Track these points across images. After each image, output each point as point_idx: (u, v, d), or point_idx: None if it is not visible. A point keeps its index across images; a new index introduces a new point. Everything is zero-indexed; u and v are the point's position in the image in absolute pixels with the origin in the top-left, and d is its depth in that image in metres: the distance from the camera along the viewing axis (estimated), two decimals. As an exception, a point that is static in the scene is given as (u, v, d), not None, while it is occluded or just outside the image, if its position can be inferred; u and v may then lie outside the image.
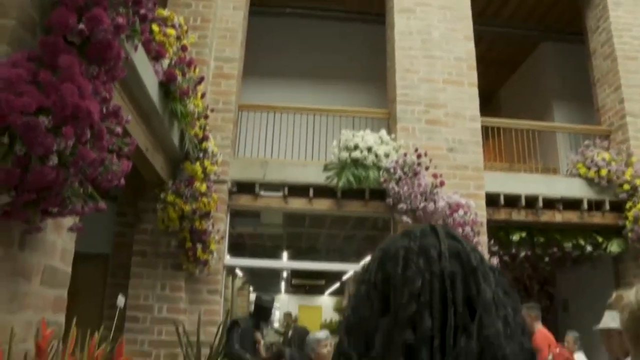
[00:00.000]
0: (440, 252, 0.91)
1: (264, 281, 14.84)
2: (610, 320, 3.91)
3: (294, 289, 19.48)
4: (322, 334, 4.20)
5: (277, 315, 15.74)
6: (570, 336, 6.95)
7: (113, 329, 2.70)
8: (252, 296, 9.05)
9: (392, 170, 6.98)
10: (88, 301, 6.25)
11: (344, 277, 14.33)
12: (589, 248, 7.82)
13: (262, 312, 6.13)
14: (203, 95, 5.85)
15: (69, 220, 2.72)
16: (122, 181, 2.37)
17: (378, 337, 0.87)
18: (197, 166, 6.09)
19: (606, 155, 7.77)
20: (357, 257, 9.75)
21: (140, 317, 6.42)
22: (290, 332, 12.68)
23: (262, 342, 5.96)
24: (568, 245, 7.78)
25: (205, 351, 6.33)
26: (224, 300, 7.35)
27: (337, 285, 17.06)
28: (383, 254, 0.97)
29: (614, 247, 7.71)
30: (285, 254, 11.11)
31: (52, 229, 2.68)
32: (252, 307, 6.50)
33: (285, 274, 16.23)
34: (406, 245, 0.94)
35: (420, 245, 0.93)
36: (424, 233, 0.96)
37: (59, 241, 2.78)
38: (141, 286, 6.49)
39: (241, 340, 5.71)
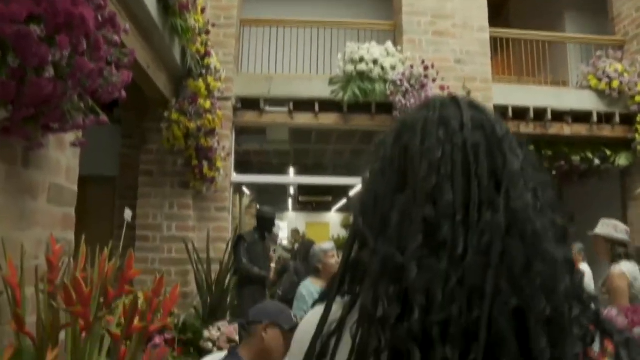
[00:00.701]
0: (462, 122, 0.83)
1: (271, 199, 14.93)
2: (600, 227, 3.95)
3: (301, 207, 19.66)
4: (328, 244, 4.21)
5: (285, 233, 15.96)
6: (576, 247, 7.02)
7: (122, 244, 2.70)
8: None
9: (398, 82, 6.85)
10: (97, 223, 6.30)
11: (351, 193, 14.41)
12: (597, 161, 7.76)
13: (264, 224, 6.15)
14: (203, 10, 5.68)
15: (71, 137, 2.67)
16: (123, 93, 2.30)
17: (394, 215, 0.79)
18: (200, 83, 5.99)
19: (619, 67, 7.58)
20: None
21: (150, 236, 6.49)
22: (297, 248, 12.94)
23: (273, 259, 6.01)
24: (576, 158, 7.73)
25: (215, 267, 6.42)
26: (232, 218, 7.41)
27: (344, 201, 17.19)
28: (400, 126, 0.89)
29: (622, 160, 7.66)
30: (292, 171, 11.12)
31: (54, 147, 2.63)
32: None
33: (292, 191, 16.32)
34: (425, 115, 0.86)
35: (440, 115, 0.85)
36: (444, 104, 0.88)
37: (62, 159, 2.74)
38: (149, 206, 6.53)
39: (248, 254, 5.76)
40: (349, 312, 0.80)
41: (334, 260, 4.07)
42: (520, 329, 0.70)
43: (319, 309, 0.84)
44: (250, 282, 5.78)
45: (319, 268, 4.02)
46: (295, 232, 13.85)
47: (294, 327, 2.43)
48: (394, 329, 0.71)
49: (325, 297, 0.85)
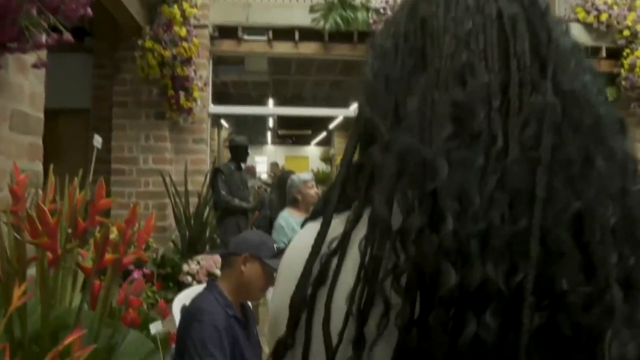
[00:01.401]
0: None
1: (250, 132, 14.72)
2: None
3: (280, 140, 19.51)
4: (308, 175, 4.11)
5: (264, 168, 15.85)
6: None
7: (91, 173, 2.55)
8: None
9: (381, 10, 6.63)
10: (71, 157, 6.08)
11: (331, 126, 14.27)
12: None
13: (238, 153, 6.00)
14: None
15: (33, 59, 2.48)
16: (89, 10, 2.10)
17: (412, 101, 0.62)
18: (175, 9, 5.73)
19: (609, -1, 7.38)
20: (345, 104, 9.57)
21: (126, 170, 6.34)
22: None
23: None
24: (560, 91, 7.59)
25: (193, 200, 6.33)
26: (210, 151, 7.25)
27: (323, 134, 17.06)
28: None
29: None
30: (271, 102, 10.92)
31: (15, 70, 2.45)
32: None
33: (271, 124, 16.13)
34: None
35: None
36: None
37: (25, 83, 2.55)
38: (125, 138, 6.34)
39: (227, 186, 5.64)
40: (354, 227, 0.64)
41: (313, 191, 3.98)
42: (579, 242, 0.54)
43: (313, 227, 0.69)
44: (231, 213, 5.67)
45: (298, 199, 3.92)
46: (274, 166, 13.74)
47: (276, 259, 2.33)
48: (419, 244, 0.55)
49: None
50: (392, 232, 0.57)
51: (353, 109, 9.57)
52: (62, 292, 2.39)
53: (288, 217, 3.83)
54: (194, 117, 6.42)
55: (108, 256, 2.02)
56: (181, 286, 5.86)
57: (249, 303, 2.38)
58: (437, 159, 0.56)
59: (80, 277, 2.78)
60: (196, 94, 6.23)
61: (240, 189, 5.93)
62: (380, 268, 0.58)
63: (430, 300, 0.54)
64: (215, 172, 5.77)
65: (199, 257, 6.11)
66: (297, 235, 0.75)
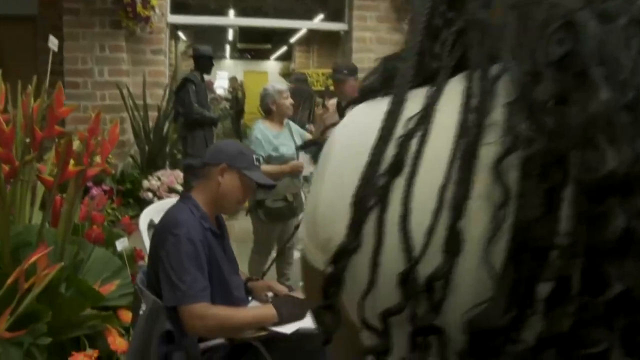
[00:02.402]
0: None
1: (209, 45, 14.27)
2: None
3: (239, 54, 18.99)
4: (283, 85, 3.93)
5: (224, 83, 15.45)
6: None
7: (47, 78, 2.34)
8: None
9: None
10: (18, 67, 5.72)
11: (292, 40, 13.90)
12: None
13: (203, 63, 5.69)
14: None
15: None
16: None
17: None
18: None
19: None
20: (309, 16, 9.26)
21: (81, 83, 6.04)
22: (239, 95, 12.61)
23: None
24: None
25: (152, 114, 6.11)
26: (168, 65, 6.93)
27: (284, 49, 16.64)
28: None
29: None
30: (231, 13, 10.50)
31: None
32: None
33: (230, 37, 15.61)
34: None
35: None
36: None
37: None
38: (78, 49, 6.01)
39: (197, 98, 5.35)
40: (436, 102, 0.51)
41: (288, 101, 3.81)
42: None
43: (368, 109, 0.57)
44: (200, 127, 5.44)
45: (272, 109, 3.75)
46: (233, 80, 13.43)
47: (255, 170, 2.19)
48: (560, 115, 0.43)
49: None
50: (515, 102, 0.45)
51: (317, 20, 9.28)
52: (21, 209, 2.24)
53: (264, 130, 3.68)
54: (151, 27, 6.08)
55: (71, 168, 1.86)
56: (141, 202, 5.73)
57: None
58: (579, 13, 0.44)
59: (39, 193, 2.62)
60: (154, 1, 5.88)
61: (206, 101, 5.70)
62: (514, 150, 0.45)
63: (568, 186, 0.43)
64: (185, 82, 5.46)
65: (159, 173, 5.97)
66: (347, 120, 0.61)
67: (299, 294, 2.16)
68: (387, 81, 0.57)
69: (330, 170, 0.59)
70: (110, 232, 2.92)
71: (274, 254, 4.02)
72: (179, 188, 5.83)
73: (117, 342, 2.23)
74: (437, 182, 0.48)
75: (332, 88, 6.30)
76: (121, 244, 2.78)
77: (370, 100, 0.59)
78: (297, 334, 1.94)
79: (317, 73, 10.13)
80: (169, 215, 1.98)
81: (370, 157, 0.52)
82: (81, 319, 2.28)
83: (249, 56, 19.16)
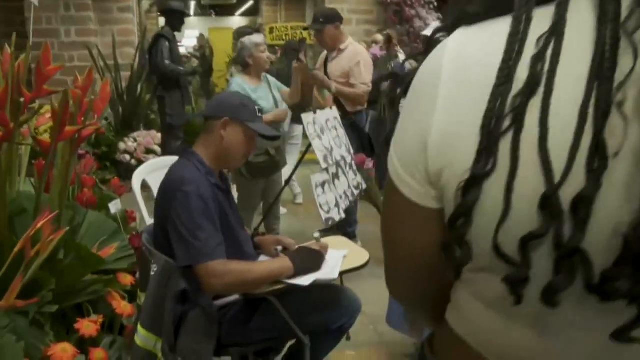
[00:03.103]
0: None
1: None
2: None
3: (203, 11, 18.56)
4: (260, 37, 3.80)
5: (192, 42, 15.10)
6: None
7: (31, 35, 2.21)
8: (162, 20, 8.22)
9: None
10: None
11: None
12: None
13: (174, 18, 5.48)
14: None
15: None
16: None
17: None
18: None
19: None
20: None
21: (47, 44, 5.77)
22: (207, 53, 12.34)
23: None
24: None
25: (125, 74, 5.94)
26: (137, 23, 6.70)
27: (250, 3, 16.28)
28: None
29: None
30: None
31: None
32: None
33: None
34: None
35: None
36: None
37: None
38: (41, 8, 5.73)
39: (171, 55, 5.17)
40: (565, 18, 0.49)
41: (266, 55, 3.71)
42: None
43: (473, 33, 0.55)
44: (177, 86, 5.29)
45: (249, 63, 3.64)
46: (201, 38, 13.14)
47: (258, 122, 2.12)
48: None
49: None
50: None
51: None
52: (12, 175, 2.15)
53: (242, 84, 3.56)
54: (117, -17, 5.85)
55: (68, 127, 1.77)
56: (118, 165, 5.63)
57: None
58: None
59: (25, 158, 2.52)
60: (118, -44, 5.64)
61: (180, 58, 5.53)
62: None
63: None
64: (158, 38, 5.27)
65: (135, 134, 5.84)
66: (453, 47, 0.57)
67: (312, 245, 2.13)
68: (494, 5, 0.55)
69: (441, 100, 0.56)
70: (102, 194, 2.83)
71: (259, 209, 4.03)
72: (157, 149, 5.73)
73: (122, 306, 2.18)
74: (575, 99, 0.46)
75: (309, 40, 6.20)
76: (114, 206, 2.70)
77: (470, 27, 0.57)
78: (314, 285, 1.92)
79: (285, 27, 9.93)
80: (175, 173, 1.91)
81: (499, 79, 0.50)
82: (83, 284, 2.22)
83: (214, 12, 18.73)
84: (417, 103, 0.59)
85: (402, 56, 5.63)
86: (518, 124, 0.49)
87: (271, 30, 9.41)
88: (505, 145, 0.50)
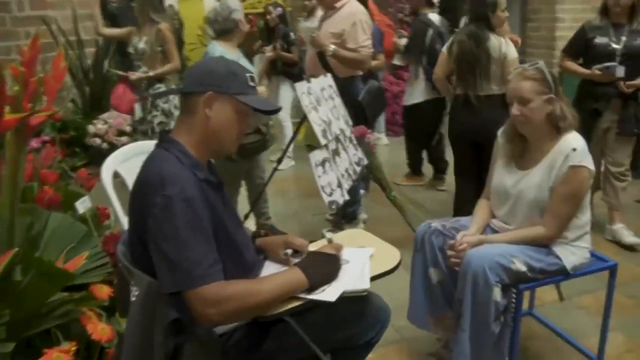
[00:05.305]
0: None
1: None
2: None
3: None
4: (236, 3, 3.40)
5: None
6: None
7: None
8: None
9: None
10: None
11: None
12: None
13: None
14: None
15: None
16: None
17: None
18: None
19: None
20: None
21: (-3, 20, 5.25)
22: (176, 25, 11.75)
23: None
24: None
25: (89, 50, 5.47)
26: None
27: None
28: None
29: None
30: None
31: None
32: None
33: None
34: None
35: None
36: None
37: None
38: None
39: None
40: None
41: (246, 27, 3.52)
42: None
43: None
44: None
45: (240, 28, 3.32)
46: (171, 9, 12.55)
47: (251, 94, 1.67)
48: None
49: None
50: None
51: None
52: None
53: (224, 53, 3.15)
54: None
55: (9, 116, 1.34)
56: (89, 150, 5.19)
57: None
58: None
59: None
60: None
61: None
62: None
63: None
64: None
65: (105, 115, 5.38)
66: None
67: (324, 249, 1.71)
68: None
69: None
70: (67, 191, 2.40)
71: (242, 191, 3.80)
72: (129, 130, 5.30)
73: (100, 330, 1.77)
74: None
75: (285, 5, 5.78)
76: (82, 205, 2.28)
77: None
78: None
79: (258, -6, 9.41)
80: (151, 169, 1.44)
81: None
82: (49, 306, 1.81)
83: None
84: None
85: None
86: None
87: (242, -5, 8.88)
88: None
